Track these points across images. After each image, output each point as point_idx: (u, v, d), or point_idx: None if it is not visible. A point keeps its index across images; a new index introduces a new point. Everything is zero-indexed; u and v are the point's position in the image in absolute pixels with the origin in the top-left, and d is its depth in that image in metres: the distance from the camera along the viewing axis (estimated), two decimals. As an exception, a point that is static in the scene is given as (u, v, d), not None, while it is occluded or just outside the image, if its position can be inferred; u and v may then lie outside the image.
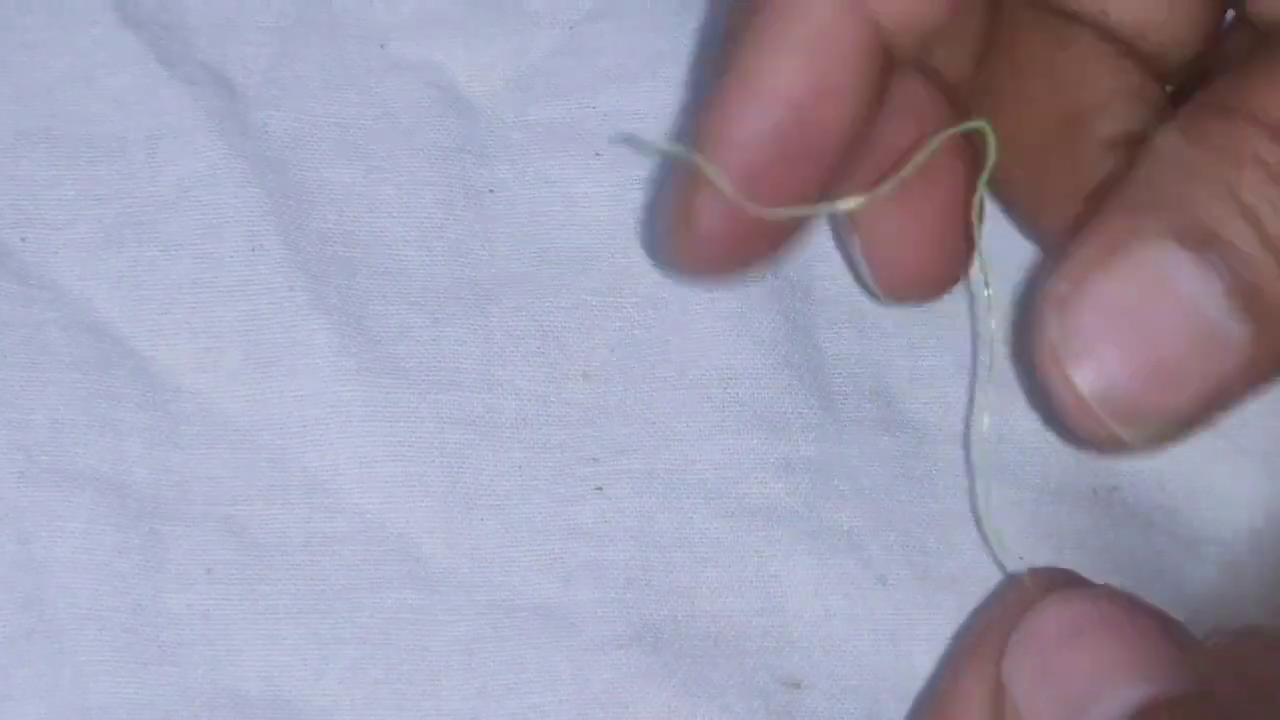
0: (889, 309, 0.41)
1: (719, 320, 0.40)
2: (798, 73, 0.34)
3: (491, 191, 0.41)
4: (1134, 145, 0.37)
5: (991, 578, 0.40)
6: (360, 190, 0.41)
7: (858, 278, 0.41)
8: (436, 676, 0.39)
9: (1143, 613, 0.34)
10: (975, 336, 0.41)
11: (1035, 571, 0.37)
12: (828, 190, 0.35)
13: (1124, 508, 0.41)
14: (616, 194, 0.41)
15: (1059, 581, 0.36)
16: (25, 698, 0.38)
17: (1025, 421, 0.41)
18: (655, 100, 0.42)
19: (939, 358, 0.41)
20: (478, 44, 0.42)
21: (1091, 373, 0.34)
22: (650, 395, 0.40)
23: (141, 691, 0.38)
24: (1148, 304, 0.34)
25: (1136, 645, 0.33)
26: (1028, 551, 0.40)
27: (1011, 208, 0.40)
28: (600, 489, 0.40)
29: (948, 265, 0.38)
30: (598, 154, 0.41)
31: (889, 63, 0.35)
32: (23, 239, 0.40)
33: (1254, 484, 0.41)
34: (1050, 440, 0.41)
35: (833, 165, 0.35)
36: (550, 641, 0.39)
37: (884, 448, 0.41)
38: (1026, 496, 0.40)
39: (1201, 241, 0.33)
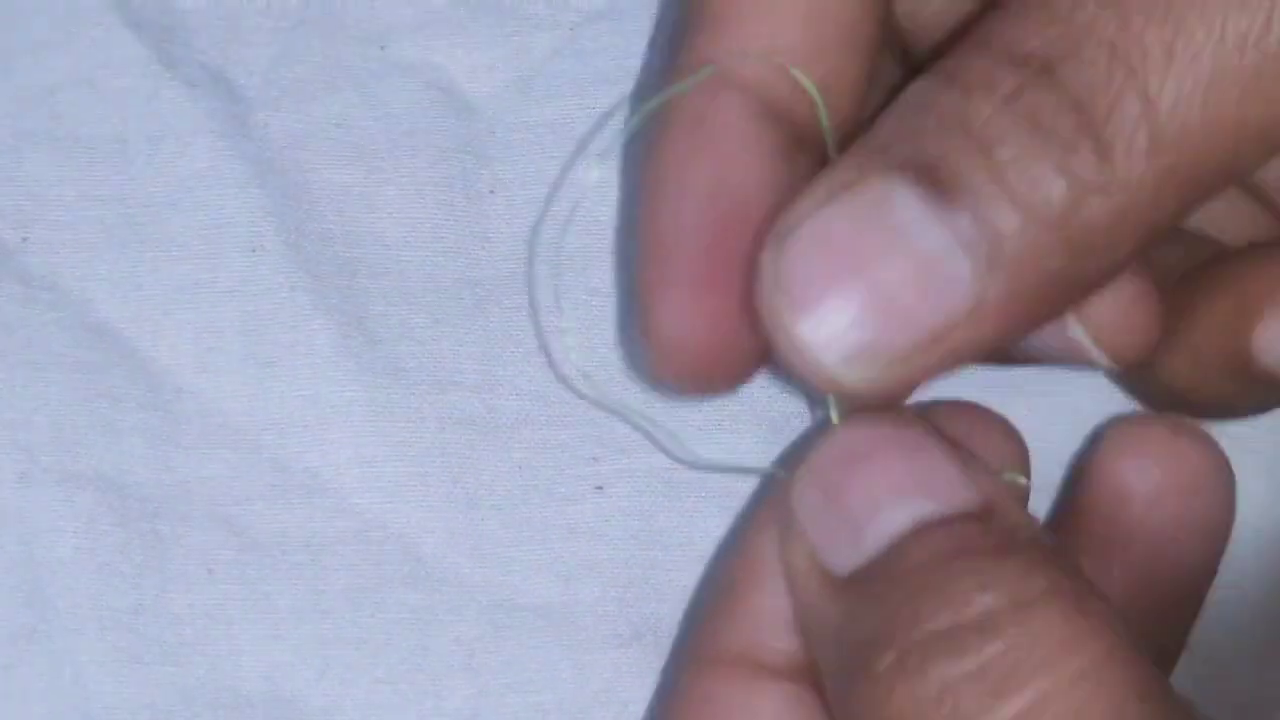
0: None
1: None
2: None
3: (491, 191, 0.41)
4: None
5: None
6: (360, 191, 0.41)
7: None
8: (437, 676, 0.39)
9: (926, 435, 0.33)
10: None
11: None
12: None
13: (1124, 507, 0.41)
14: (616, 194, 0.41)
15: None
16: (26, 697, 0.38)
17: (1024, 423, 0.41)
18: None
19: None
20: (478, 44, 0.42)
21: (806, 311, 0.32)
22: (650, 395, 0.40)
23: (142, 691, 0.38)
24: (862, 239, 0.31)
25: (916, 465, 0.32)
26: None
27: None
28: (600, 489, 0.40)
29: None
30: (598, 154, 0.41)
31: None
32: (24, 239, 0.40)
33: (1254, 484, 0.41)
34: (1049, 441, 0.41)
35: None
36: (550, 641, 0.39)
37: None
38: (1025, 496, 0.40)
39: (926, 173, 0.31)
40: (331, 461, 0.40)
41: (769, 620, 0.35)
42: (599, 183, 0.41)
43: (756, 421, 0.40)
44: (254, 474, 0.39)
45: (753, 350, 0.34)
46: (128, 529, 0.39)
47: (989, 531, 0.32)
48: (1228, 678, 0.40)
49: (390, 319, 0.40)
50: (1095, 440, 0.38)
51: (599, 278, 0.41)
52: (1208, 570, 0.37)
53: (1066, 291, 0.32)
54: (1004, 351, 0.35)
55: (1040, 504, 0.40)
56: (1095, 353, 0.35)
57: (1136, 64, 0.30)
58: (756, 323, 0.32)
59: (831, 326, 0.31)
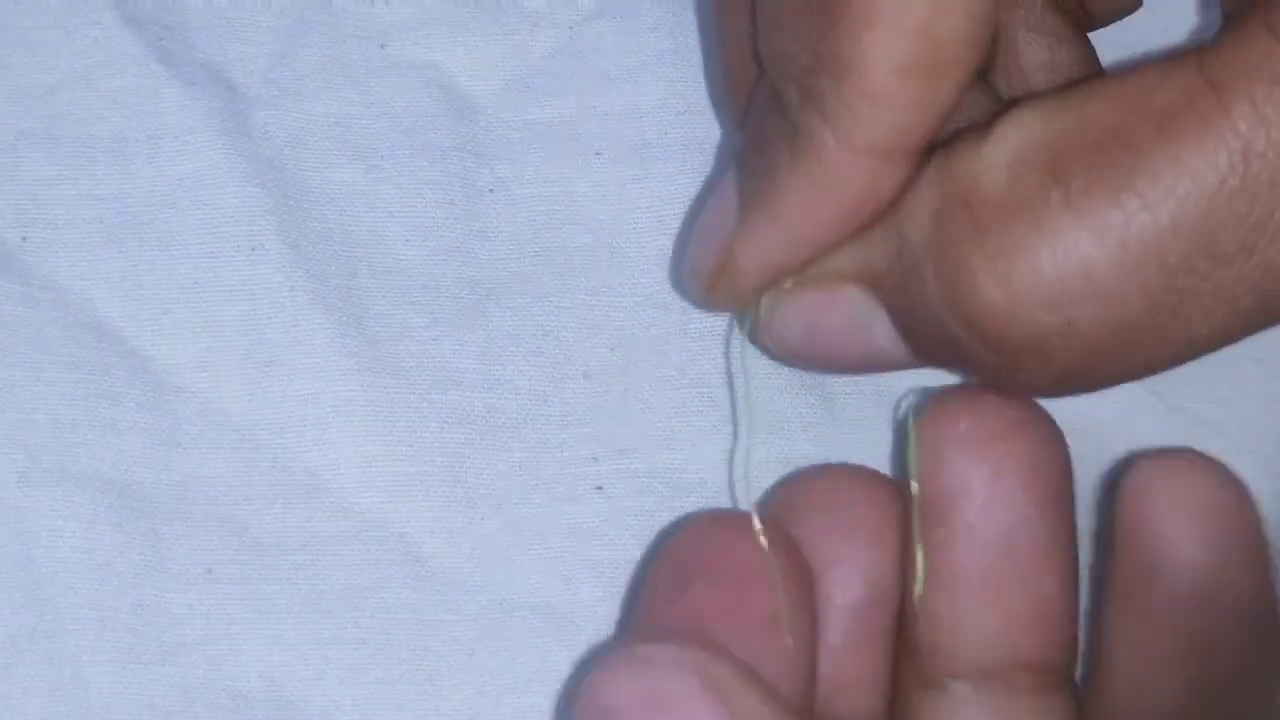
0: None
1: (719, 320, 0.40)
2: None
3: (491, 191, 0.41)
4: None
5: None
6: (360, 190, 0.41)
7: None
8: (436, 676, 0.39)
9: (728, 674, 0.32)
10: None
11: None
12: None
13: (1124, 508, 0.41)
14: (616, 194, 0.41)
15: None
16: (25, 697, 0.38)
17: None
18: (655, 100, 0.42)
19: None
20: (478, 44, 0.42)
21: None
22: (650, 395, 0.40)
23: (142, 691, 0.38)
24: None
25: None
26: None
27: None
28: (600, 489, 0.40)
29: None
30: (598, 154, 0.41)
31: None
32: (24, 239, 0.40)
33: (1254, 484, 0.41)
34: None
35: None
36: (550, 641, 0.39)
37: (884, 447, 0.41)
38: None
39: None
40: (331, 461, 0.40)
41: None
42: (599, 183, 0.41)
43: (757, 421, 0.40)
44: (254, 474, 0.39)
45: None
46: (128, 529, 0.39)
47: None
48: (1228, 679, 0.40)
49: (390, 318, 0.40)
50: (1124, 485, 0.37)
51: (599, 278, 0.41)
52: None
53: None
54: None
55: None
56: None
57: None
58: None
59: None
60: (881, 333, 0.35)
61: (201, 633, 0.39)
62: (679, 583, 0.34)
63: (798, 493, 0.37)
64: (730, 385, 0.40)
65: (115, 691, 0.38)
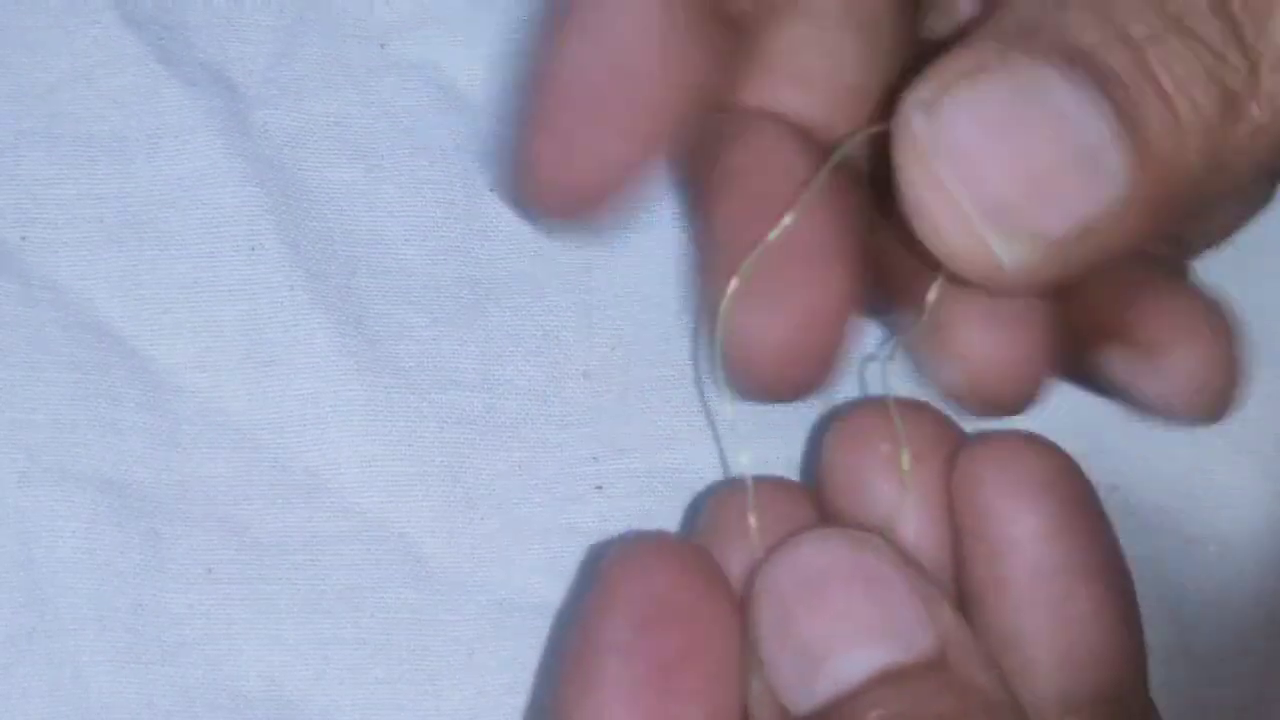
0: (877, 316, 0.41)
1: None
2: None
3: (491, 191, 0.41)
4: None
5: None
6: (360, 189, 0.41)
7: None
8: (436, 676, 0.39)
9: (886, 562, 0.32)
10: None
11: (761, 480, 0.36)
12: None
13: (1124, 508, 0.41)
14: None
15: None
16: (25, 697, 0.38)
17: (1024, 423, 0.41)
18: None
19: (939, 358, 0.41)
20: (478, 43, 0.42)
21: (964, 173, 0.31)
22: (650, 395, 0.40)
23: (142, 691, 0.38)
24: (1022, 115, 0.31)
25: (874, 601, 0.32)
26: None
27: None
28: (600, 488, 0.40)
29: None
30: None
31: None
32: (23, 238, 0.40)
33: (1254, 484, 0.41)
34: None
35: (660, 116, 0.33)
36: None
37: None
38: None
39: (1080, 64, 0.30)
40: (331, 461, 0.40)
41: None
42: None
43: (757, 422, 0.40)
44: (254, 474, 0.39)
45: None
46: (128, 529, 0.39)
47: (947, 687, 0.31)
48: (1228, 679, 0.40)
49: (390, 318, 0.40)
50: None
51: (599, 278, 0.41)
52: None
53: (1195, 201, 0.32)
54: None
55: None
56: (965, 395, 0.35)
57: None
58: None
59: (992, 199, 0.31)
60: None
61: (201, 633, 0.39)
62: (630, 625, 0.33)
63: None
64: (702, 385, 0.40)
65: (115, 691, 0.38)
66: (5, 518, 0.38)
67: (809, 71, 0.36)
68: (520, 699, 0.39)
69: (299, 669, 0.39)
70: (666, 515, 0.40)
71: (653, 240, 0.41)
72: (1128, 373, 0.36)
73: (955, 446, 0.36)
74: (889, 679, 0.31)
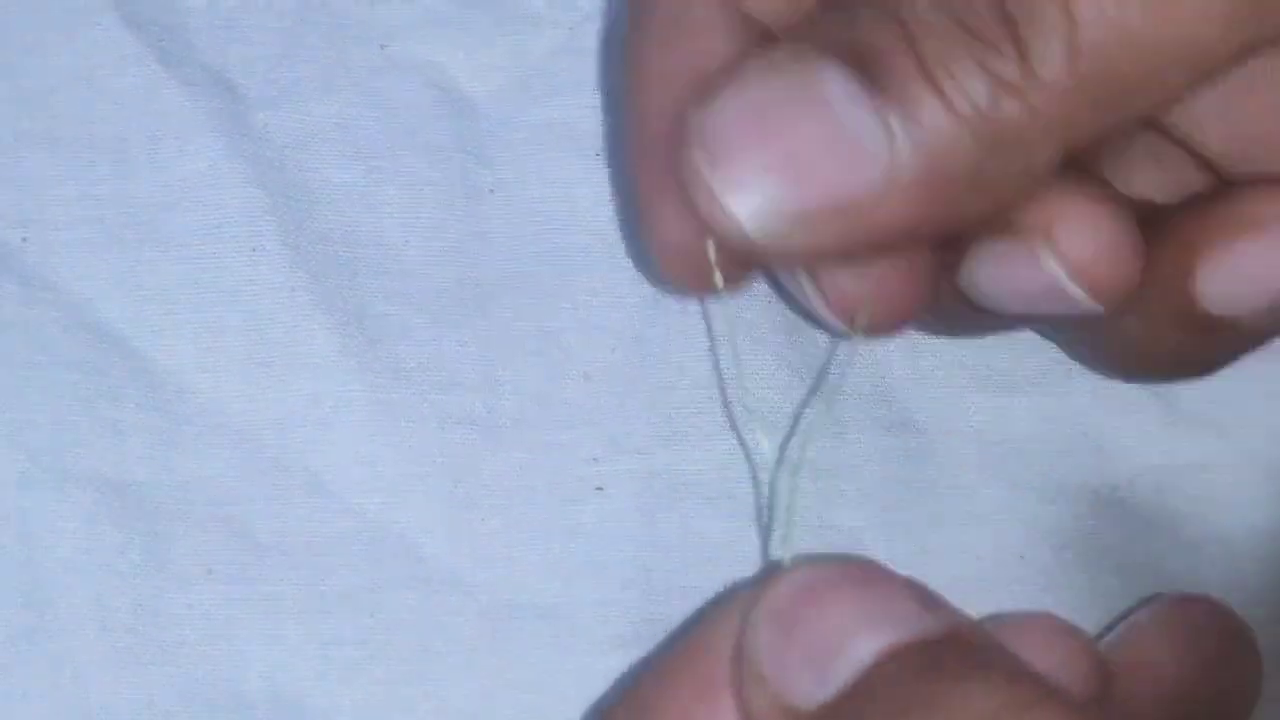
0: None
1: (719, 320, 0.40)
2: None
3: (491, 191, 0.41)
4: None
5: (994, 575, 0.40)
6: (361, 190, 0.41)
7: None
8: (437, 676, 0.39)
9: (882, 573, 0.33)
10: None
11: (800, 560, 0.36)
12: None
13: (1124, 509, 0.41)
14: (616, 194, 0.41)
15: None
16: (25, 698, 0.38)
17: (1024, 423, 0.41)
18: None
19: (939, 357, 0.41)
20: (478, 44, 0.42)
21: (721, 164, 0.33)
22: (650, 395, 0.40)
23: (142, 691, 0.38)
24: (783, 100, 0.33)
25: (876, 595, 0.32)
26: (1027, 553, 0.40)
27: None
28: (600, 489, 0.40)
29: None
30: (597, 154, 0.41)
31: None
32: (24, 239, 0.40)
33: (1254, 484, 0.41)
34: (1049, 441, 0.41)
35: None
36: (550, 642, 0.39)
37: (885, 448, 0.41)
38: (1025, 498, 0.40)
39: (856, 58, 0.33)
40: (332, 462, 0.40)
41: None
42: (599, 183, 0.41)
43: (757, 422, 0.40)
44: (254, 474, 0.39)
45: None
46: (127, 529, 0.39)
47: (964, 650, 0.32)
48: (1228, 679, 0.40)
49: (390, 319, 0.40)
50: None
51: (599, 278, 0.41)
52: None
53: (982, 191, 0.33)
54: (977, 305, 0.37)
55: (1035, 504, 0.40)
56: (1073, 290, 0.36)
57: None
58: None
59: (745, 183, 0.33)
60: None
61: (201, 633, 0.39)
62: None
63: None
64: (722, 379, 0.40)
65: (115, 691, 0.38)
66: (5, 518, 0.38)
67: None
68: (520, 699, 0.39)
69: (299, 669, 0.39)
70: (667, 515, 0.40)
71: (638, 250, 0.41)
72: (1006, 271, 0.36)
73: None
74: (903, 650, 0.32)
